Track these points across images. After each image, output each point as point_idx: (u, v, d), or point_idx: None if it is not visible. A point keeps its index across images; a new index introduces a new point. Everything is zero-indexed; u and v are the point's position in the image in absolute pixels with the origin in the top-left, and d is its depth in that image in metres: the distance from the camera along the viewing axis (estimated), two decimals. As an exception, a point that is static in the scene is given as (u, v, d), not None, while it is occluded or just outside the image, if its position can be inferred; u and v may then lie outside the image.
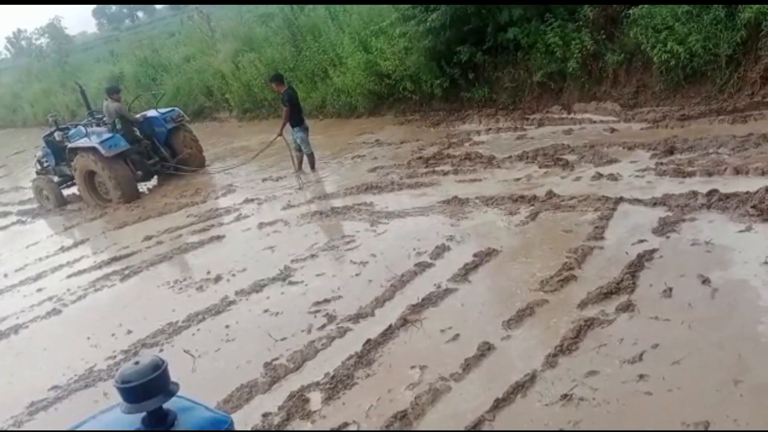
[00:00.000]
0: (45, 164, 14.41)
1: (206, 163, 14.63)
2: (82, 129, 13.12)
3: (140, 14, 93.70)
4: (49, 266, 9.91)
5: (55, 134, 14.03)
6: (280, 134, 11.86)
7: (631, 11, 10.62)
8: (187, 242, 9.51)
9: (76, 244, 10.97)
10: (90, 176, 13.12)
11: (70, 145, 13.15)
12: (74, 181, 13.71)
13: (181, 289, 7.89)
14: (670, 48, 9.92)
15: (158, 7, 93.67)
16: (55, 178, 14.29)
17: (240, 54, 20.12)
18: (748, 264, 5.34)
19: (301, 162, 11.96)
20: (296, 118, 11.63)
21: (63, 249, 10.76)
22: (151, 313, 7.33)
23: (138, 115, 13.97)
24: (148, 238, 10.13)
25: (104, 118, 13.29)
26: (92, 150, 12.57)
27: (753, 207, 6.26)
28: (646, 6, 10.40)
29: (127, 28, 72.06)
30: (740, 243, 5.72)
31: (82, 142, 12.79)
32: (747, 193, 6.53)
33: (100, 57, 34.68)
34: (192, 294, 7.64)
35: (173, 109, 14.45)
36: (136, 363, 2.10)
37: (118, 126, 12.93)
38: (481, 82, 13.14)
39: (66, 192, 14.28)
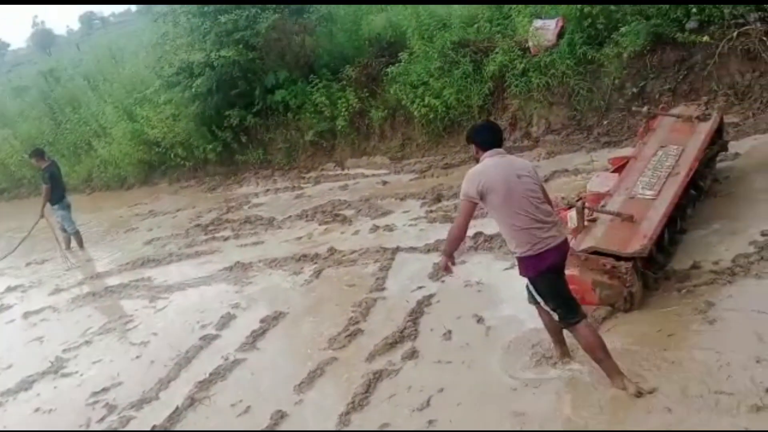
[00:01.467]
0: None
1: None
2: None
3: None
4: None
5: None
6: (42, 215, 10.93)
7: (389, 69, 11.24)
8: (-62, 344, 8.39)
9: None
10: None
11: None
12: None
13: (-67, 398, 6.91)
14: (428, 102, 10.65)
15: None
16: None
17: (-9, 131, 18.56)
18: (515, 299, 5.68)
19: (68, 242, 11.12)
20: (56, 195, 10.78)
21: None
22: None
23: None
24: None
25: None
26: None
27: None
28: (402, 64, 11.08)
29: None
30: (507, 280, 6.09)
31: None
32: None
33: None
34: (-53, 401, 6.73)
35: None
36: None
37: None
38: (255, 144, 13.19)
39: None
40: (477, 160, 4.35)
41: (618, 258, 4.94)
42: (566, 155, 9.37)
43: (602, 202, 5.73)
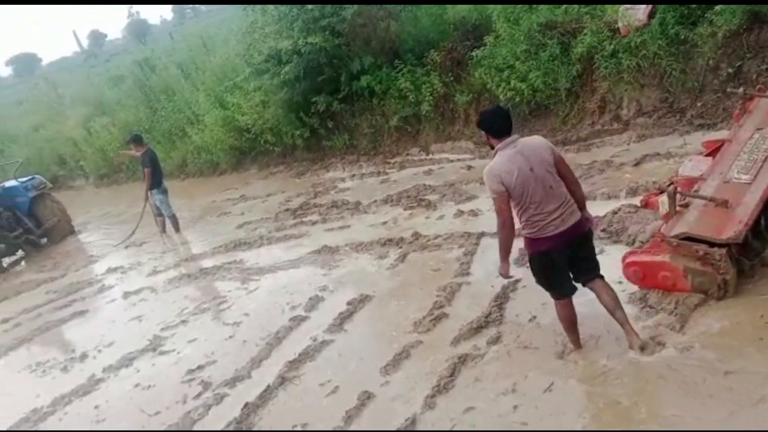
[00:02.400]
0: None
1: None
2: None
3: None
4: None
5: None
6: (147, 198, 11.45)
7: (474, 53, 11.17)
8: (47, 321, 8.95)
9: None
10: None
11: None
12: None
13: (44, 371, 7.39)
14: (514, 85, 10.52)
15: (3, 75, 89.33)
16: None
17: (91, 119, 19.49)
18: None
19: (164, 226, 11.61)
20: (155, 180, 11.27)
21: None
22: (13, 401, 6.81)
23: None
24: (5, 321, 9.49)
25: None
26: None
27: (603, 230, 6.67)
28: (487, 47, 10.98)
29: (-30, 99, 68.15)
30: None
31: None
32: (597, 217, 6.92)
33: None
34: (56, 376, 7.18)
35: (34, 177, 13.79)
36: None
37: None
38: (341, 129, 13.37)
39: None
40: (491, 146, 4.52)
41: (711, 244, 4.80)
42: (658, 138, 9.11)
43: (695, 187, 5.57)
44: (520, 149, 4.34)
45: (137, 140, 11.76)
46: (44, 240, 13.23)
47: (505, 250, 4.57)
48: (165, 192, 11.47)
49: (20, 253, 13.42)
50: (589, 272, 4.62)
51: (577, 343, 4.80)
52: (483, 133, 4.59)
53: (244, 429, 5.09)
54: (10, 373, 7.77)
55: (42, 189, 13.47)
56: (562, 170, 4.41)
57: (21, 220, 13.03)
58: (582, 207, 4.55)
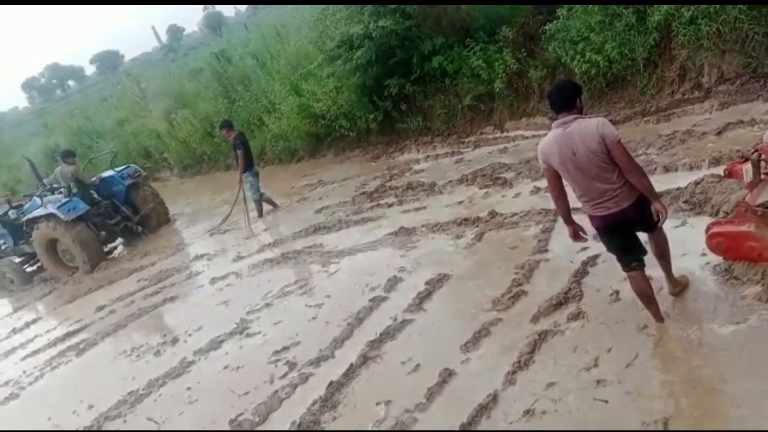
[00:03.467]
0: (3, 247, 14.05)
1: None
2: (37, 200, 12.87)
3: (71, 83, 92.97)
4: (2, 350, 9.67)
5: (9, 213, 13.76)
6: (241, 180, 11.78)
7: (547, 27, 10.99)
8: (140, 307, 9.38)
9: (27, 324, 10.71)
10: (52, 246, 12.84)
11: (27, 217, 12.85)
12: (37, 257, 13.44)
13: (138, 356, 7.77)
14: (589, 58, 10.29)
15: (88, 73, 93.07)
16: (16, 259, 14.00)
17: (173, 112, 20.12)
18: (688, 257, 5.51)
19: (261, 208, 11.97)
20: (248, 163, 11.62)
21: (15, 331, 10.51)
22: (110, 384, 7.18)
23: (93, 178, 13.84)
24: (101, 308, 9.98)
25: (59, 185, 12.95)
26: (51, 217, 12.33)
27: (685, 202, 6.52)
28: (560, 21, 10.78)
29: (59, 99, 71.33)
30: (678, 237, 5.87)
31: (39, 212, 12.52)
32: (678, 189, 6.79)
33: (34, 131, 34.21)
34: (150, 360, 7.54)
35: (129, 166, 14.39)
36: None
37: (75, 190, 12.72)
38: (414, 112, 13.40)
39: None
40: None
41: (798, 213, 4.66)
42: (741, 105, 8.79)
43: (781, 154, 5.37)
44: (571, 131, 4.34)
45: (227, 125, 12.15)
46: (140, 228, 13.74)
47: (563, 217, 4.86)
48: (256, 175, 11.83)
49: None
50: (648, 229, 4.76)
51: (658, 315, 4.76)
52: None
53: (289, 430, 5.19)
54: (108, 357, 8.17)
55: (137, 177, 14.00)
56: (616, 158, 4.30)
57: (118, 208, 13.55)
58: (650, 196, 4.44)
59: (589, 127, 4.32)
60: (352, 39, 12.89)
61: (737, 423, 3.77)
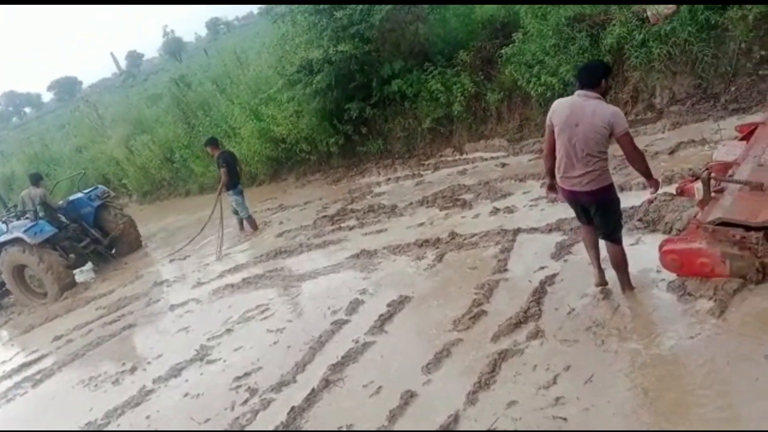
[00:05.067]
0: None
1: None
2: (2, 225, 12.54)
3: (27, 110, 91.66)
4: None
5: None
6: (219, 195, 11.68)
7: (503, 51, 11.18)
8: (98, 336, 9.19)
9: (-20, 358, 10.42)
10: (19, 272, 12.48)
11: None
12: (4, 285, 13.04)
13: (96, 385, 7.61)
14: (544, 81, 10.50)
15: (45, 100, 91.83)
16: None
17: (132, 138, 19.92)
18: (643, 273, 5.63)
19: (241, 224, 11.94)
20: (231, 182, 11.51)
21: (-33, 365, 10.22)
22: (67, 415, 7.03)
23: (61, 201, 13.56)
24: (57, 338, 9.78)
25: (24, 210, 12.65)
26: (17, 241, 12.01)
27: (639, 220, 6.65)
28: (516, 44, 10.99)
29: (15, 126, 70.11)
30: (633, 255, 5.97)
31: (5, 237, 12.19)
32: (632, 208, 6.92)
33: (-12, 159, 33.56)
34: (108, 389, 7.39)
35: (97, 187, 14.11)
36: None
37: (41, 213, 12.43)
38: (374, 135, 13.47)
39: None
40: None
41: (748, 228, 4.78)
42: (692, 125, 9.02)
43: (729, 172, 5.53)
44: (587, 105, 4.76)
45: (213, 142, 12.07)
46: (111, 251, 13.51)
47: (546, 172, 5.38)
48: (241, 193, 11.75)
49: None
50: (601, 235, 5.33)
51: (600, 277, 5.53)
52: None
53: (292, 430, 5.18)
54: (65, 388, 7.98)
55: (105, 198, 13.72)
56: (622, 147, 4.83)
57: (87, 230, 13.25)
58: (646, 177, 5.06)
59: (604, 111, 4.73)
60: (311, 63, 12.93)
61: (693, 436, 3.83)
